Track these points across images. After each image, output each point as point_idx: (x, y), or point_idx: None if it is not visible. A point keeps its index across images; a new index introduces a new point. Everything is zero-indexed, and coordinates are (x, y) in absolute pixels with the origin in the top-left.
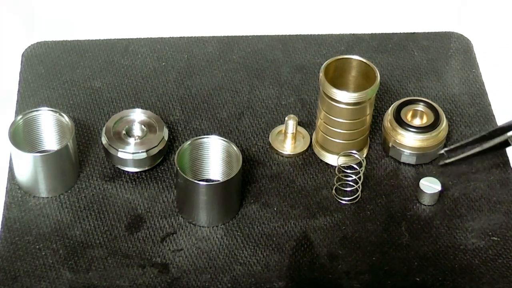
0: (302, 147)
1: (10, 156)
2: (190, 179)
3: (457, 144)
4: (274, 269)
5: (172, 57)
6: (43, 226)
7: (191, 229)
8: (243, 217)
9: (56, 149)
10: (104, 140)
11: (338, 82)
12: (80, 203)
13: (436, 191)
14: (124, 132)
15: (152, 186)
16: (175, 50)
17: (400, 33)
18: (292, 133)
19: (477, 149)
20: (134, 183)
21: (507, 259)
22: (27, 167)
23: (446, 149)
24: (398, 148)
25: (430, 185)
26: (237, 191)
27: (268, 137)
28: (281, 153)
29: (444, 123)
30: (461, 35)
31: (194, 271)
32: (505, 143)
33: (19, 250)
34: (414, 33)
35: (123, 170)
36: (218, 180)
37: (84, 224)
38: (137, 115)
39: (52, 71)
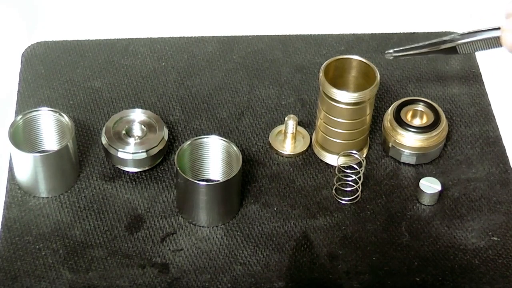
0: (302, 147)
1: (10, 156)
2: (190, 179)
3: (406, 47)
4: (274, 269)
5: (172, 57)
6: (43, 226)
7: (191, 229)
8: (243, 217)
9: (56, 149)
10: (104, 140)
11: (338, 82)
12: (80, 203)
13: (436, 191)
14: (124, 132)
15: (152, 186)
16: (175, 50)
17: (400, 33)
18: (292, 133)
19: (425, 50)
20: (134, 183)
21: (507, 259)
22: (27, 167)
23: (395, 49)
24: (398, 148)
25: (430, 185)
26: (237, 191)
27: (268, 137)
28: (281, 153)
29: (444, 123)
30: None
31: (194, 271)
32: (453, 50)
33: (19, 250)
34: (414, 33)
35: (123, 170)
36: (218, 180)
37: (84, 224)
38: (137, 115)
39: (52, 71)
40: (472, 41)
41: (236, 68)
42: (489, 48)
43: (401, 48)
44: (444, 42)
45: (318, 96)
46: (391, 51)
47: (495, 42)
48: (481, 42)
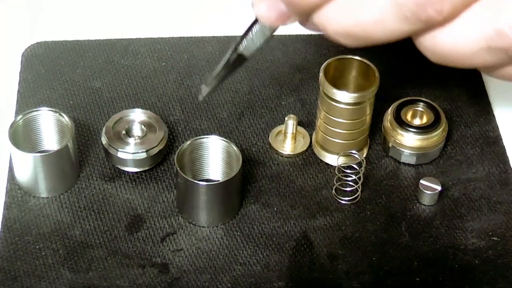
0: (302, 147)
1: (10, 156)
2: (190, 179)
3: (208, 82)
4: (274, 269)
5: (172, 57)
6: (43, 226)
7: (191, 229)
8: (243, 217)
9: (56, 149)
10: (104, 140)
11: (338, 82)
12: (80, 203)
13: (436, 191)
14: (124, 132)
15: (152, 186)
16: (175, 50)
17: None
18: (292, 133)
19: (222, 73)
20: (134, 183)
21: (507, 259)
22: (27, 167)
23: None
24: (398, 148)
25: (430, 185)
26: (237, 191)
27: (268, 137)
28: (281, 153)
29: (444, 123)
30: None
31: (194, 271)
32: (241, 59)
33: (19, 250)
34: None
35: (123, 170)
36: (218, 180)
37: (84, 224)
38: (137, 115)
39: (52, 71)
40: (248, 39)
41: None
42: (266, 35)
43: (208, 90)
44: (231, 55)
45: (318, 96)
46: (201, 98)
47: (261, 27)
48: (255, 34)
